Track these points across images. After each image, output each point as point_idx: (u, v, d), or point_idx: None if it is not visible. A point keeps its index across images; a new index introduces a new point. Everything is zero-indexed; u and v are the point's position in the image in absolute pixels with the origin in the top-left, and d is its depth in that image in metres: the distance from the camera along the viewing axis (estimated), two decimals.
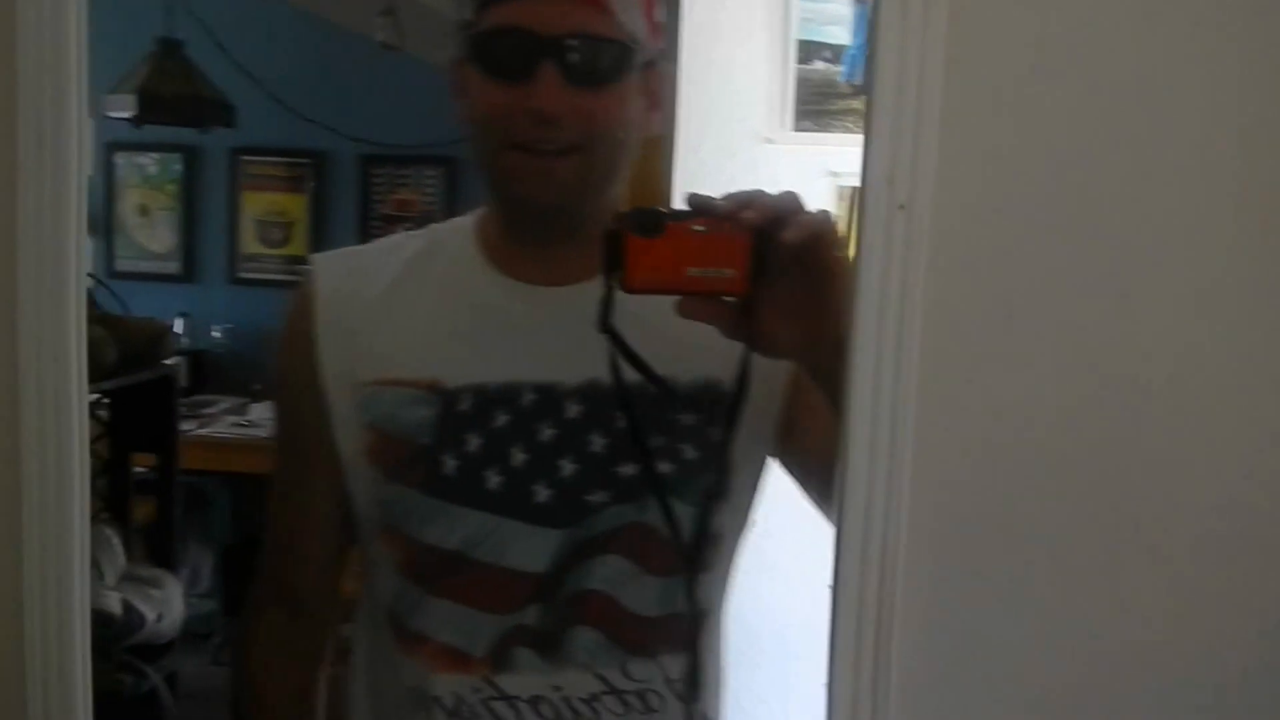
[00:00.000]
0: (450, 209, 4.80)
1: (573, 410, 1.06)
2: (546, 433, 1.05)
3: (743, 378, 0.95)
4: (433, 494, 1.05)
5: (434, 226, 1.20)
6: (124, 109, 3.87)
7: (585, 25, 1.00)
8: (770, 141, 2.29)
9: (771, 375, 1.05)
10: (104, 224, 5.13)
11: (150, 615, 2.10)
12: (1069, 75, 0.81)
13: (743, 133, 2.24)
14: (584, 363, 1.01)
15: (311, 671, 1.21)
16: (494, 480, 1.04)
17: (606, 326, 0.93)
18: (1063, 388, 0.83)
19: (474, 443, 1.05)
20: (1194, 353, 0.83)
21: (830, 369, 0.91)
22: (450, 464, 1.05)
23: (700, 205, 0.91)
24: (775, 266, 0.90)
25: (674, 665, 1.07)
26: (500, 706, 1.05)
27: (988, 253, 0.82)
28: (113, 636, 2.01)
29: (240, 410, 4.44)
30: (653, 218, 0.90)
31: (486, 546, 1.05)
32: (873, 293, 0.81)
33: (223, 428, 4.23)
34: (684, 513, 1.03)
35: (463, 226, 1.14)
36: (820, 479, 1.04)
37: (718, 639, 1.15)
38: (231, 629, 4.33)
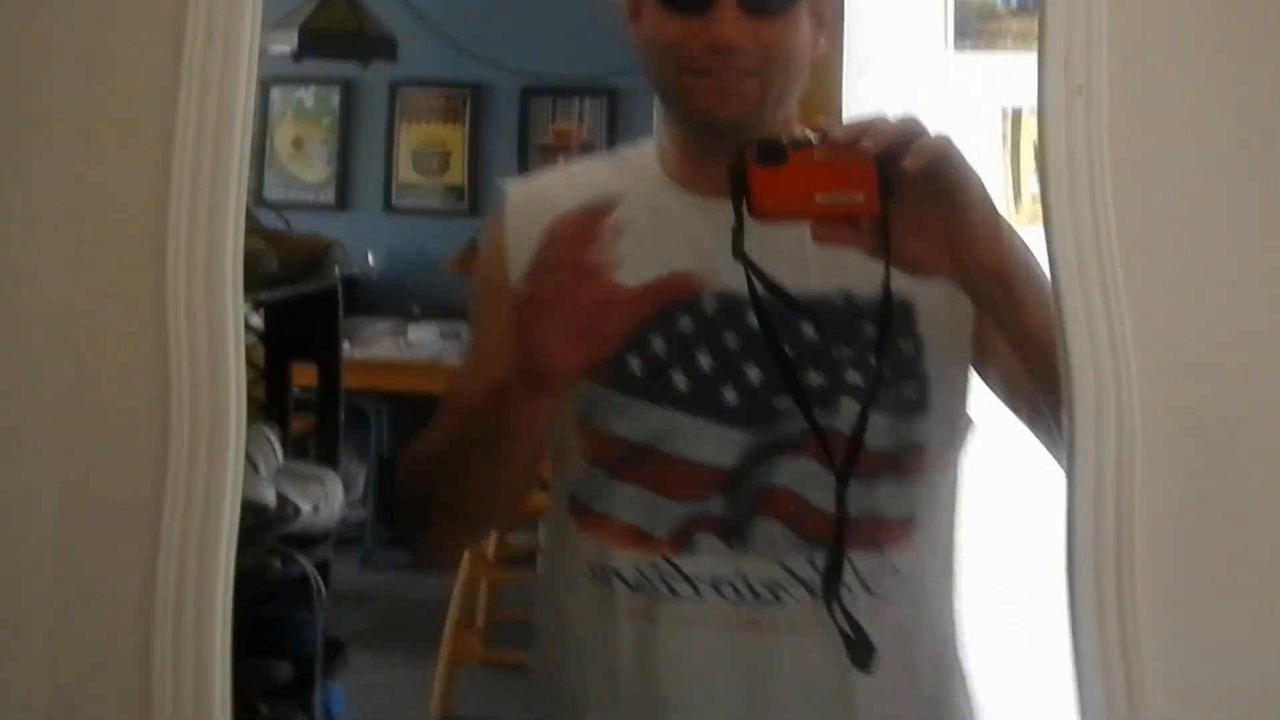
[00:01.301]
0: (611, 139, 4.87)
1: (753, 320, 1.09)
2: (731, 339, 1.11)
3: (886, 297, 0.97)
4: (621, 390, 1.11)
5: (620, 149, 1.27)
6: (285, 44, 3.99)
7: None
8: (932, 63, 2.30)
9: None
10: (255, 155, 5.34)
11: (306, 507, 2.24)
12: None
13: (905, 56, 2.25)
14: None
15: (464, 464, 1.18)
16: (680, 380, 1.11)
17: (740, 253, 0.96)
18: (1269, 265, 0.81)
19: (657, 344, 1.11)
20: None
21: (986, 292, 0.97)
22: (635, 363, 1.11)
23: (820, 134, 0.95)
24: (902, 189, 0.93)
25: (866, 561, 1.10)
26: (681, 585, 1.11)
27: (1172, 135, 0.80)
28: (264, 524, 2.16)
29: (399, 332, 4.62)
30: (774, 147, 0.94)
31: (675, 441, 1.11)
32: (1062, 179, 0.81)
33: (381, 349, 4.42)
34: (875, 421, 1.05)
35: (646, 148, 1.22)
36: (1021, 401, 1.09)
37: (935, 547, 1.17)
38: (380, 535, 4.61)
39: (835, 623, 1.03)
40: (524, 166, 4.98)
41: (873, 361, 1.07)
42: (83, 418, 0.90)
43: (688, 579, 1.11)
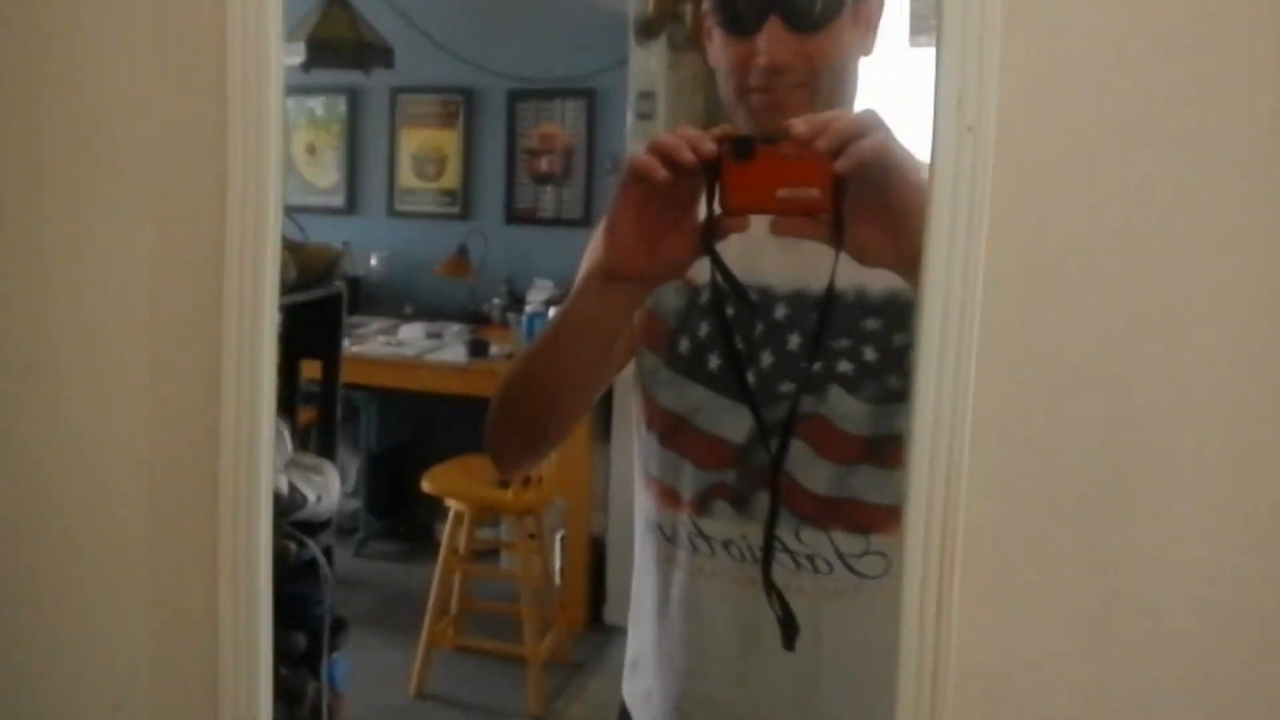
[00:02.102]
0: (591, 141, 4.97)
1: (780, 312, 1.22)
2: (759, 327, 1.22)
3: (831, 286, 1.06)
4: (670, 366, 1.26)
5: None
6: (295, 56, 4.06)
7: None
8: (885, 60, 2.47)
9: None
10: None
11: (311, 496, 2.41)
12: None
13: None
14: (795, 273, 1.18)
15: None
16: (714, 362, 1.24)
17: (708, 248, 1.04)
18: (1127, 313, 0.81)
19: (704, 329, 1.24)
20: (1269, 266, 0.79)
21: None
22: (685, 345, 1.25)
23: (785, 129, 0.98)
24: (853, 184, 0.97)
25: (848, 543, 1.21)
26: (700, 543, 1.26)
27: (1054, 176, 0.81)
28: (279, 511, 2.33)
29: (391, 331, 4.74)
30: (745, 143, 0.97)
31: (703, 416, 1.24)
32: (944, 217, 0.81)
33: (373, 346, 4.53)
34: (858, 409, 1.17)
35: None
36: None
37: None
38: (373, 525, 4.79)
39: (770, 603, 1.13)
40: (512, 170, 5.11)
41: (866, 353, 1.18)
42: (156, 404, 1.03)
43: (705, 538, 1.26)
